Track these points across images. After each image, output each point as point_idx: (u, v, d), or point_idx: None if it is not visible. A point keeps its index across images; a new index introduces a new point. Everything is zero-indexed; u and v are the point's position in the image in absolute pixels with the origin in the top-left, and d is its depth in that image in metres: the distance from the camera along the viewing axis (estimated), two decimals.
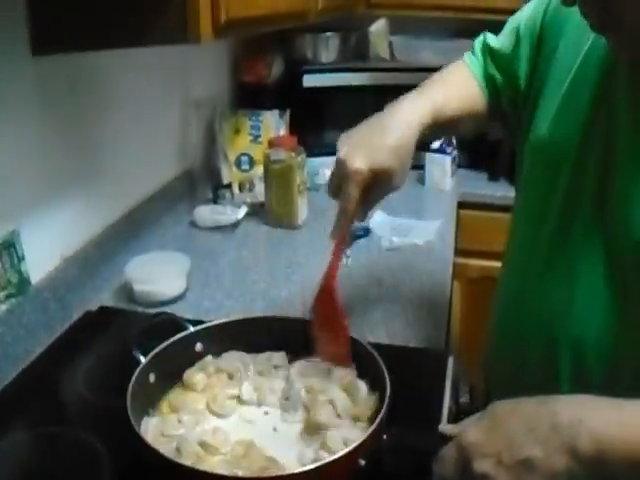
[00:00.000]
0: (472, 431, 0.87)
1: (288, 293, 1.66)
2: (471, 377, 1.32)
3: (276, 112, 2.36)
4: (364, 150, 1.08)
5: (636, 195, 0.92)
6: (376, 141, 1.10)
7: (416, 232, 2.02)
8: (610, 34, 0.89)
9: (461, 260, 2.32)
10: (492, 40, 1.28)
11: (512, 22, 1.25)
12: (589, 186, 0.99)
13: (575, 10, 0.90)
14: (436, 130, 1.20)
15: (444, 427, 0.93)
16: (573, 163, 1.02)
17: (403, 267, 1.82)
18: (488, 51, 1.28)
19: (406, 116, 1.14)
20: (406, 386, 1.03)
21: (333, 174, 1.13)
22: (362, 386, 1.12)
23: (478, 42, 1.32)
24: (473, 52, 1.33)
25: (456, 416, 1.17)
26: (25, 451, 1.15)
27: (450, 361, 1.32)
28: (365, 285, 1.70)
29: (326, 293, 1.15)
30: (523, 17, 1.21)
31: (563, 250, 1.03)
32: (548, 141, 1.07)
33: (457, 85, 1.28)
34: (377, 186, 1.10)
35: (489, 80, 1.28)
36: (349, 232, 1.14)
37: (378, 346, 1.14)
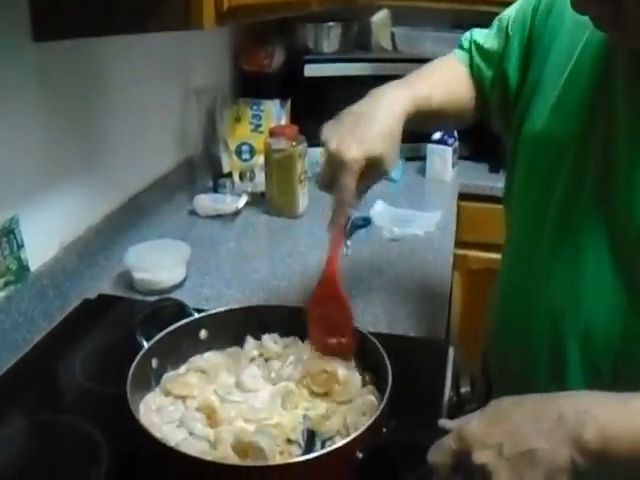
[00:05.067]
0: (474, 422, 0.85)
1: (288, 283, 1.65)
2: (472, 367, 1.32)
3: (277, 101, 2.35)
4: (355, 139, 1.08)
5: (639, 183, 0.93)
6: (365, 130, 1.09)
7: (417, 223, 2.01)
8: (619, 34, 0.89)
9: (461, 251, 2.32)
10: (480, 37, 1.30)
11: (499, 21, 1.27)
12: (590, 176, 0.99)
13: (569, 11, 0.92)
14: (420, 121, 1.20)
15: (444, 422, 0.92)
16: (574, 154, 1.02)
17: (404, 257, 1.82)
18: (476, 48, 1.30)
19: (389, 104, 1.14)
20: (407, 376, 1.03)
21: (325, 167, 1.13)
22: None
23: (465, 39, 1.34)
24: (461, 47, 1.34)
25: (457, 406, 1.17)
26: (23, 439, 1.15)
27: (451, 351, 1.32)
28: (366, 275, 1.69)
29: (329, 285, 1.15)
30: (510, 16, 1.24)
31: (567, 242, 1.03)
32: (547, 134, 1.08)
33: (444, 77, 1.30)
34: (370, 173, 1.10)
35: (478, 77, 1.30)
36: (347, 222, 1.15)
37: (379, 336, 1.13)
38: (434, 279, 1.71)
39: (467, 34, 1.34)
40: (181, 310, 1.23)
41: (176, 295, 1.56)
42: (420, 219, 2.05)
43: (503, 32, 1.24)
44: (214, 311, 1.23)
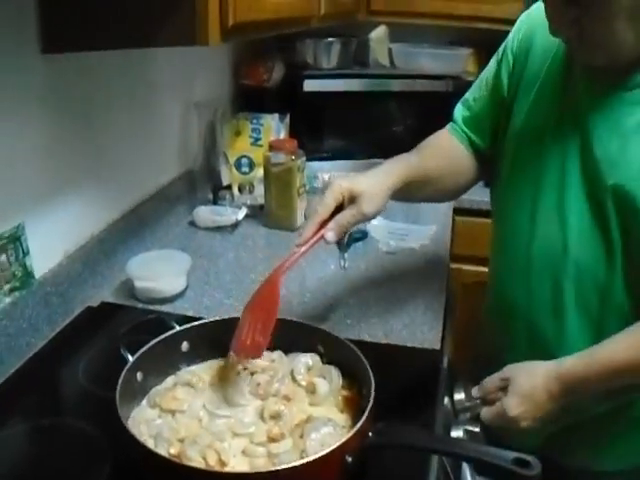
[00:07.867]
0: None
1: (285, 293, 1.67)
2: (465, 376, 1.35)
3: (276, 116, 2.38)
4: (348, 178, 1.29)
5: (609, 149, 1.18)
6: (358, 177, 1.29)
7: (412, 236, 2.04)
8: (584, 51, 1.14)
9: (456, 265, 2.34)
10: (468, 95, 1.51)
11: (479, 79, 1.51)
12: (573, 149, 1.23)
13: (540, 35, 1.27)
14: (417, 187, 1.39)
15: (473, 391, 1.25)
16: (552, 135, 1.26)
17: (400, 270, 1.85)
18: (472, 103, 1.49)
19: (385, 169, 1.34)
20: (403, 383, 1.05)
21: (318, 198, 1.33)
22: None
23: (457, 110, 1.53)
24: (453, 120, 1.53)
25: (452, 411, 1.20)
26: (27, 442, 1.17)
27: (445, 360, 1.35)
28: (363, 287, 1.72)
29: (270, 285, 1.22)
30: (489, 68, 1.47)
31: (557, 208, 1.26)
32: (528, 124, 1.32)
33: (434, 147, 1.50)
34: (351, 211, 1.25)
35: (473, 132, 1.49)
36: (316, 241, 1.23)
37: (375, 345, 1.16)
38: (429, 291, 1.73)
39: (457, 106, 1.53)
40: (163, 323, 1.26)
41: (177, 304, 1.59)
42: (416, 233, 2.08)
43: (482, 81, 1.47)
44: (195, 323, 1.26)
